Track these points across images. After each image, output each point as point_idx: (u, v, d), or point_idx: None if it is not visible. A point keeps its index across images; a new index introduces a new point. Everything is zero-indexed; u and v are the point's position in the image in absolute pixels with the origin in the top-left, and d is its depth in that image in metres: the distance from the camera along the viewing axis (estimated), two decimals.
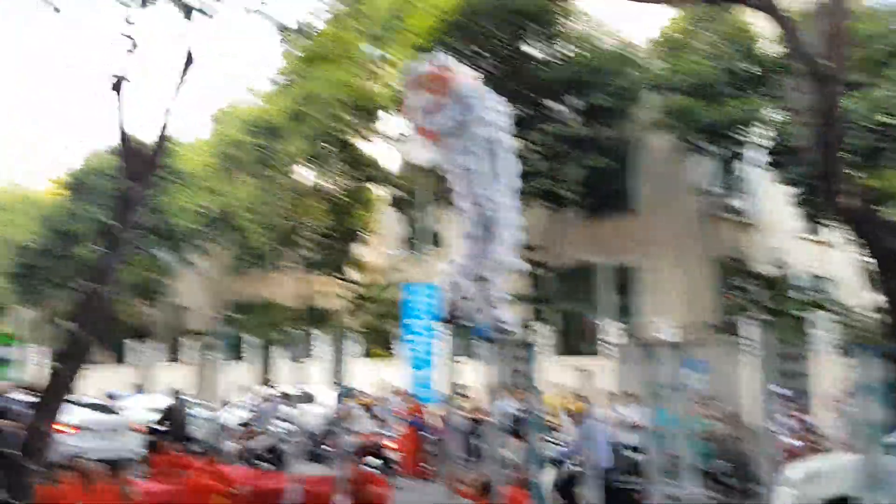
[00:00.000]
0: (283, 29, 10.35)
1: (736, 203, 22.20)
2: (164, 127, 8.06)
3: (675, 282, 19.56)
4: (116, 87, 7.80)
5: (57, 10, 8.66)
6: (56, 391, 6.91)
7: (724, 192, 21.62)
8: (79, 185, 29.24)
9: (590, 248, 20.96)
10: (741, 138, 18.27)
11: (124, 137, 7.91)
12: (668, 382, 8.30)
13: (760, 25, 17.83)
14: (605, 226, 21.21)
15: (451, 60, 7.32)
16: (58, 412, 7.06)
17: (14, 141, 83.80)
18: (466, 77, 7.16)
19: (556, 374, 18.05)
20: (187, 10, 8.40)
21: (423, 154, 7.33)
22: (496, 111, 7.11)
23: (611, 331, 18.33)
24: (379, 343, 21.28)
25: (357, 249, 27.89)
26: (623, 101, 18.67)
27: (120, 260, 7.54)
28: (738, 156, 19.65)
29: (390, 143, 23.66)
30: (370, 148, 24.33)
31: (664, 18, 19.06)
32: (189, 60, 7.99)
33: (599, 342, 19.13)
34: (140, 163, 7.80)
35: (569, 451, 11.43)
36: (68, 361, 7.00)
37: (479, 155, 6.80)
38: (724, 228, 19.91)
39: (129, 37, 7.86)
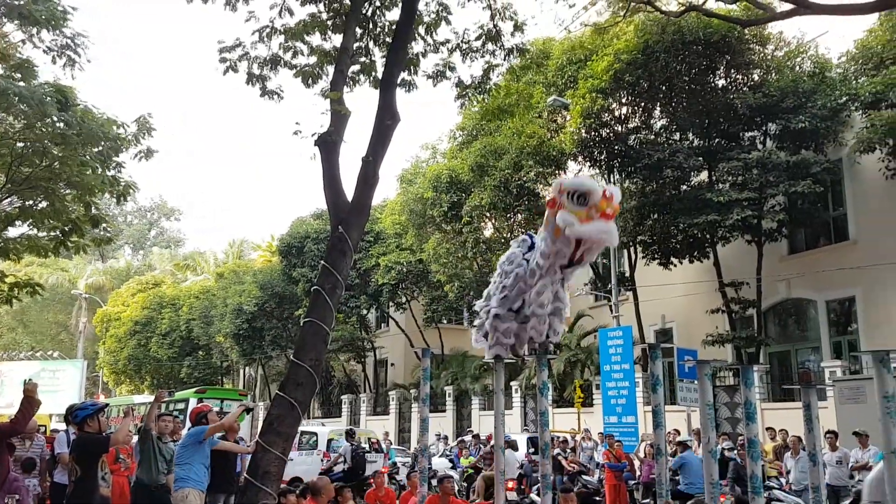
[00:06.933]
0: (460, 86, 10.69)
1: None
2: (369, 186, 8.62)
3: None
4: (324, 149, 8.46)
5: (281, 97, 9.69)
6: (286, 418, 7.40)
7: None
8: (287, 250, 31.84)
9: (802, 281, 19.46)
10: None
11: (336, 198, 8.52)
12: None
13: None
14: (817, 257, 19.66)
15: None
16: (290, 439, 7.56)
17: (231, 211, 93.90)
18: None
19: (770, 419, 16.74)
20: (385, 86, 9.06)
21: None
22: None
23: (830, 370, 16.69)
24: (574, 390, 20.92)
25: None
26: (826, 122, 17.35)
27: (334, 312, 8.07)
28: None
29: None
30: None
31: (857, 31, 17.63)
32: (396, 120, 8.56)
33: (817, 384, 17.48)
34: (350, 221, 8.36)
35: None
36: (296, 391, 7.51)
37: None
38: None
39: (336, 109, 8.60)
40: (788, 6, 12.83)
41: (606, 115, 19.46)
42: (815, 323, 20.02)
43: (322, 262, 8.32)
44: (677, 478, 11.86)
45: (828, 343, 19.37)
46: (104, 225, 11.48)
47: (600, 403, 19.03)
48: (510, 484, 12.92)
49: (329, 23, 9.83)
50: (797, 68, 18.77)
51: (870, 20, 17.18)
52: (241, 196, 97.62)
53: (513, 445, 14.42)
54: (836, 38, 18.35)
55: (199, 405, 9.46)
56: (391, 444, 23.27)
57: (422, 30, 10.24)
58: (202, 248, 61.16)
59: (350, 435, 16.07)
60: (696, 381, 13.61)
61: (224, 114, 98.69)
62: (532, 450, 16.40)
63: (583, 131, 19.55)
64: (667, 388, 17.62)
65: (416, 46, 10.28)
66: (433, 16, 10.26)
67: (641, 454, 14.43)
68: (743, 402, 5.99)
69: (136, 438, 9.72)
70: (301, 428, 18.59)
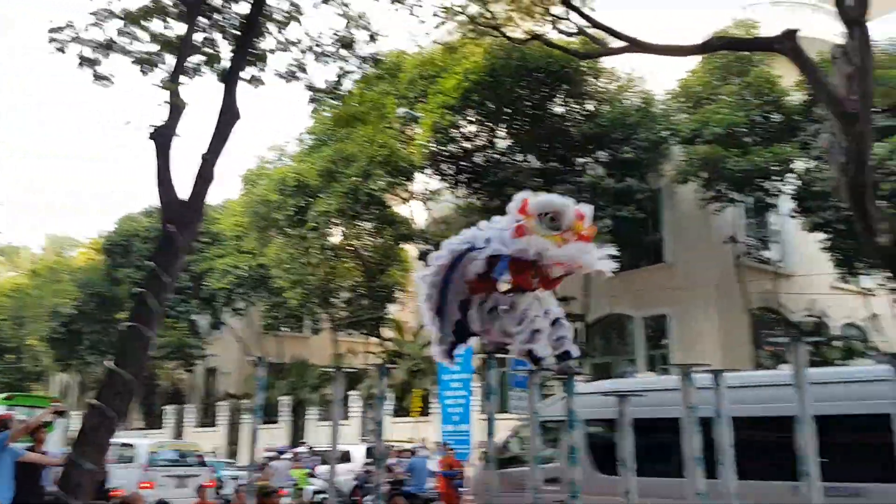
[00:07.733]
0: (312, 89, 10.56)
1: (768, 252, 22.09)
2: (205, 185, 8.28)
3: (710, 332, 19.32)
4: (159, 143, 8.03)
5: (112, 83, 9.08)
6: (99, 428, 6.92)
7: (757, 241, 21.53)
8: (113, 248, 29.82)
9: (622, 299, 20.90)
10: (769, 187, 18.28)
11: (167, 195, 8.11)
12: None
13: (782, 73, 18.07)
14: (637, 277, 21.17)
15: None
16: (104, 451, 7.08)
17: (48, 204, 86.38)
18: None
19: None
20: (228, 79, 8.77)
21: None
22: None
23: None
24: (413, 400, 21.17)
25: (391, 308, 28.01)
26: (649, 154, 18.83)
27: (160, 317, 7.65)
28: (767, 205, 19.63)
29: (421, 201, 24.01)
30: (402, 207, 24.71)
31: (681, 71, 19.35)
32: (236, 117, 8.27)
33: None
34: (183, 220, 7.98)
35: None
36: (113, 400, 7.04)
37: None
38: (758, 278, 19.71)
39: (173, 102, 8.20)
40: (622, 43, 13.81)
41: (455, 131, 19.97)
42: (633, 337, 21.54)
43: (149, 262, 7.88)
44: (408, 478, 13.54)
45: (644, 356, 20.91)
46: None
47: (438, 413, 19.34)
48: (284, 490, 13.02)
49: (174, 10, 9.36)
50: (626, 102, 20.21)
51: (692, 62, 18.92)
52: (69, 189, 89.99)
53: (346, 456, 14.42)
54: (662, 77, 19.99)
55: (2, 413, 8.61)
56: (214, 456, 22.23)
57: (273, 27, 10.02)
58: (15, 242, 55.65)
59: None
60: (527, 391, 14.25)
61: (58, 98, 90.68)
62: (370, 460, 16.39)
63: (431, 145, 19.93)
64: (504, 397, 18.20)
65: (267, 43, 10.05)
66: (284, 15, 10.08)
67: (476, 462, 14.82)
68: (566, 411, 6.32)
69: None
70: (119, 439, 17.35)
